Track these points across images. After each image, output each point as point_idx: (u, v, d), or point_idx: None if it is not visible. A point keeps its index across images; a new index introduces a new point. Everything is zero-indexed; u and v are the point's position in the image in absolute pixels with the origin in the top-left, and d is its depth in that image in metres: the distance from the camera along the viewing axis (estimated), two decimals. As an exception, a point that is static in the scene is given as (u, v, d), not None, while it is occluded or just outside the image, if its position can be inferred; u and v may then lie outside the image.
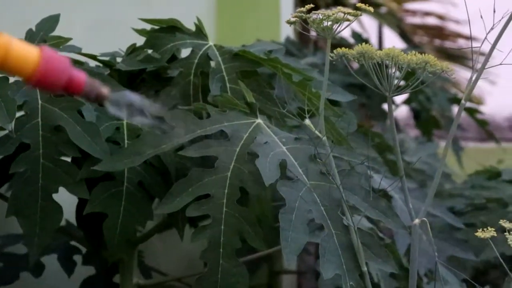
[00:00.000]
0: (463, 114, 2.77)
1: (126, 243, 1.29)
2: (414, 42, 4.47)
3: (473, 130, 4.73)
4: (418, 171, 2.14)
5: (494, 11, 1.16)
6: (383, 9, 4.53)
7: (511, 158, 3.00)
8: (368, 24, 4.70)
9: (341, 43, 2.64)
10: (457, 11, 4.52)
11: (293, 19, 1.20)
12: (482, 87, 4.54)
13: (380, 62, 1.13)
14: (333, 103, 1.44)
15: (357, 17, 1.19)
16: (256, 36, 2.40)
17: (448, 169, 2.44)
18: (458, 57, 4.48)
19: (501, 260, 1.08)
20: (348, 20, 1.19)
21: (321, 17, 1.18)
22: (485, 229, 1.05)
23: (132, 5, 2.08)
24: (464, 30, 4.58)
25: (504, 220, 1.05)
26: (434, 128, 2.66)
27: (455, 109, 2.77)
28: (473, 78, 1.15)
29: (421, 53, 1.12)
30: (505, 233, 1.03)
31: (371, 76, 1.13)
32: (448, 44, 4.69)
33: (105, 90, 0.99)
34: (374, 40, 4.80)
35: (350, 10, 1.18)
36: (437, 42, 4.67)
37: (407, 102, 2.64)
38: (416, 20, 4.75)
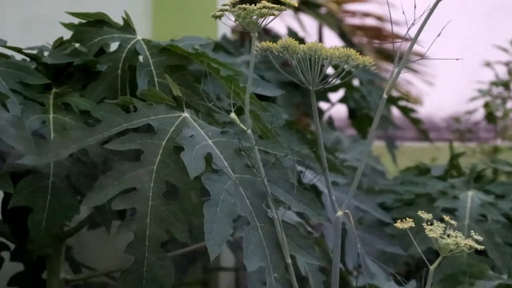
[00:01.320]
0: (401, 114, 2.80)
1: (52, 237, 1.28)
2: (353, 42, 4.51)
3: (411, 130, 4.78)
4: (351, 168, 2.16)
5: (415, 7, 1.18)
6: (323, 10, 4.56)
7: (445, 156, 3.05)
8: (308, 25, 4.73)
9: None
10: (395, 12, 4.57)
11: (218, 13, 1.20)
12: (420, 88, 4.60)
13: (304, 56, 1.14)
14: (266, 99, 1.45)
15: (282, 11, 1.20)
16: (193, 34, 2.40)
17: (382, 167, 2.47)
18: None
19: (420, 252, 1.10)
20: (273, 14, 1.20)
21: (245, 11, 1.18)
22: (403, 220, 1.06)
23: (67, 1, 2.07)
24: (402, 31, 4.63)
25: (423, 211, 1.07)
26: (368, 127, 2.68)
27: (390, 108, 2.81)
28: (395, 72, 1.17)
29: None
30: (422, 224, 1.05)
31: (295, 70, 1.14)
32: (386, 45, 4.74)
33: None
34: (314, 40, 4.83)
35: (274, 5, 1.19)
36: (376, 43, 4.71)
37: (342, 100, 2.66)
38: (356, 21, 4.80)
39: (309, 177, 1.66)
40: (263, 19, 1.20)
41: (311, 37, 4.66)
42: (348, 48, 1.12)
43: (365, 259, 1.56)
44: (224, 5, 1.19)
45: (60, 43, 1.40)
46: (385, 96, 1.18)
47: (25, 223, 1.27)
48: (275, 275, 1.16)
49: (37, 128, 1.28)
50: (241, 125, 1.21)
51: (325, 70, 1.14)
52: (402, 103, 2.74)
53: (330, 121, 2.62)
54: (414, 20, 1.16)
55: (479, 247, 1.02)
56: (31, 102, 1.30)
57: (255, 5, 1.19)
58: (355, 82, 2.64)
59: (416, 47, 1.18)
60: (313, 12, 4.54)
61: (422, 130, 2.73)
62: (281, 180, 1.21)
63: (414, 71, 4.46)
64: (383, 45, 4.76)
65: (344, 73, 1.14)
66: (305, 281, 1.45)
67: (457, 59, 1.17)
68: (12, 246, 1.60)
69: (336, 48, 1.13)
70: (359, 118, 2.68)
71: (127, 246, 1.20)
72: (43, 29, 1.96)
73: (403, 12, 1.19)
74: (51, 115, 1.31)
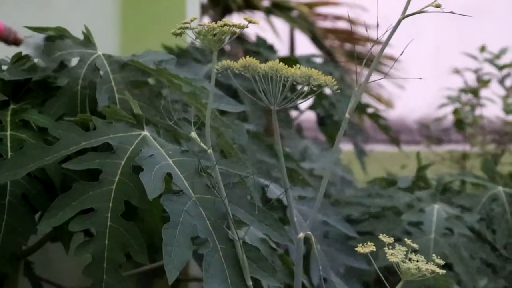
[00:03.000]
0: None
1: (9, 257, 1.25)
2: (325, 46, 4.50)
3: (382, 133, 4.78)
4: (319, 177, 2.14)
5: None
6: (294, 13, 4.55)
7: (415, 162, 3.04)
8: (280, 28, 4.71)
9: (250, 49, 2.64)
10: (367, 16, 4.57)
11: (178, 31, 1.18)
12: (391, 91, 4.60)
13: (265, 75, 1.13)
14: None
15: (243, 28, 1.18)
16: (161, 42, 2.39)
17: (351, 176, 2.45)
18: (369, 61, 4.52)
19: (380, 273, 1.09)
20: (234, 32, 1.18)
21: (206, 29, 1.16)
22: (365, 244, 1.05)
23: (34, 9, 2.03)
24: (374, 34, 4.63)
25: (384, 235, 1.05)
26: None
27: (360, 115, 2.80)
28: (356, 92, 1.15)
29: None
30: (389, 246, 1.04)
31: (256, 90, 1.12)
32: (358, 48, 4.74)
33: (20, 36, 1.40)
34: (286, 44, 4.82)
35: (235, 23, 1.17)
36: (348, 46, 4.71)
37: (311, 108, 2.65)
38: (327, 24, 4.79)
39: (274, 191, 1.64)
40: (224, 36, 1.18)
41: (282, 40, 4.65)
42: (310, 68, 1.10)
43: (330, 275, 1.55)
44: (184, 22, 1.17)
45: (18, 58, 1.36)
46: (347, 116, 1.16)
47: (-19, 243, 1.24)
48: (235, 297, 1.15)
49: (-6, 146, 1.25)
50: (202, 144, 1.18)
51: (287, 89, 1.12)
52: (372, 110, 2.73)
53: (299, 129, 2.61)
54: (387, 29, 1.14)
55: (441, 271, 1.01)
56: (-13, 119, 1.27)
57: (215, 23, 1.17)
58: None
59: (388, 51, 1.17)
60: (284, 15, 4.52)
61: (393, 137, 2.72)
62: (243, 200, 1.19)
63: (385, 74, 4.45)
64: (355, 48, 4.76)
65: (306, 93, 1.12)
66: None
67: (420, 78, 1.16)
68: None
69: (298, 68, 1.11)
70: (329, 125, 2.66)
71: (85, 268, 1.18)
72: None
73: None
74: (8, 133, 1.28)
